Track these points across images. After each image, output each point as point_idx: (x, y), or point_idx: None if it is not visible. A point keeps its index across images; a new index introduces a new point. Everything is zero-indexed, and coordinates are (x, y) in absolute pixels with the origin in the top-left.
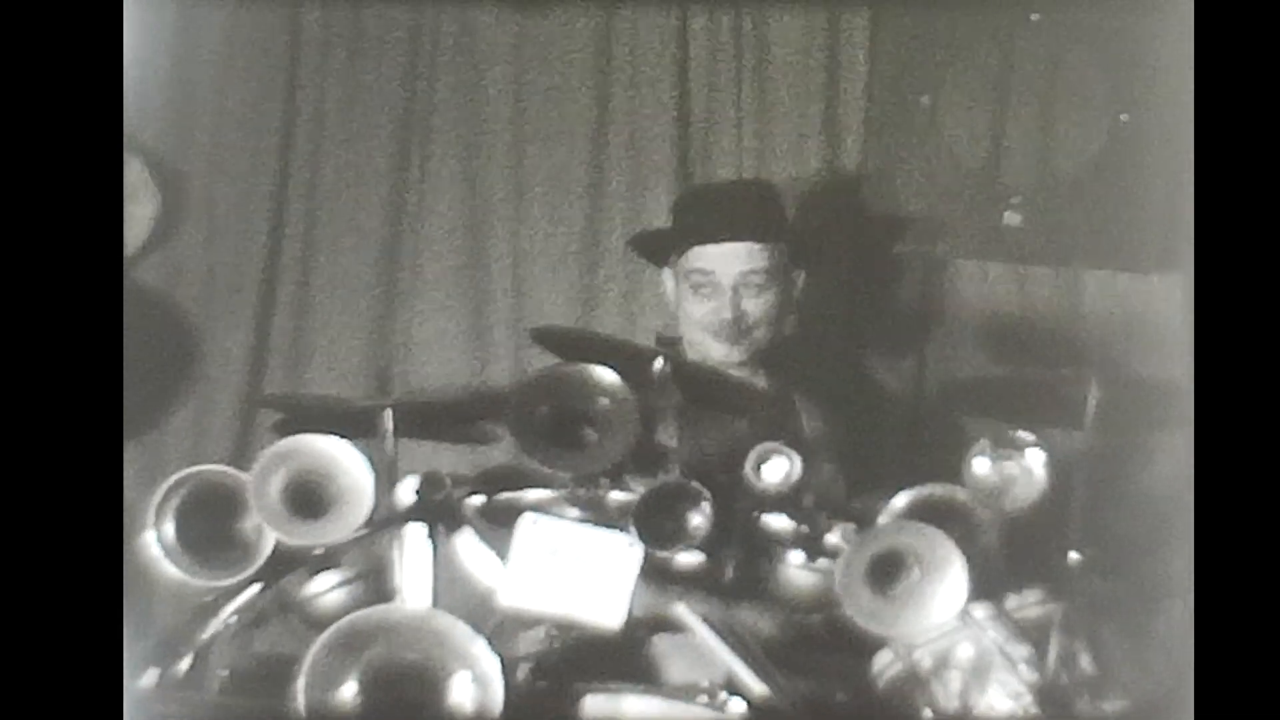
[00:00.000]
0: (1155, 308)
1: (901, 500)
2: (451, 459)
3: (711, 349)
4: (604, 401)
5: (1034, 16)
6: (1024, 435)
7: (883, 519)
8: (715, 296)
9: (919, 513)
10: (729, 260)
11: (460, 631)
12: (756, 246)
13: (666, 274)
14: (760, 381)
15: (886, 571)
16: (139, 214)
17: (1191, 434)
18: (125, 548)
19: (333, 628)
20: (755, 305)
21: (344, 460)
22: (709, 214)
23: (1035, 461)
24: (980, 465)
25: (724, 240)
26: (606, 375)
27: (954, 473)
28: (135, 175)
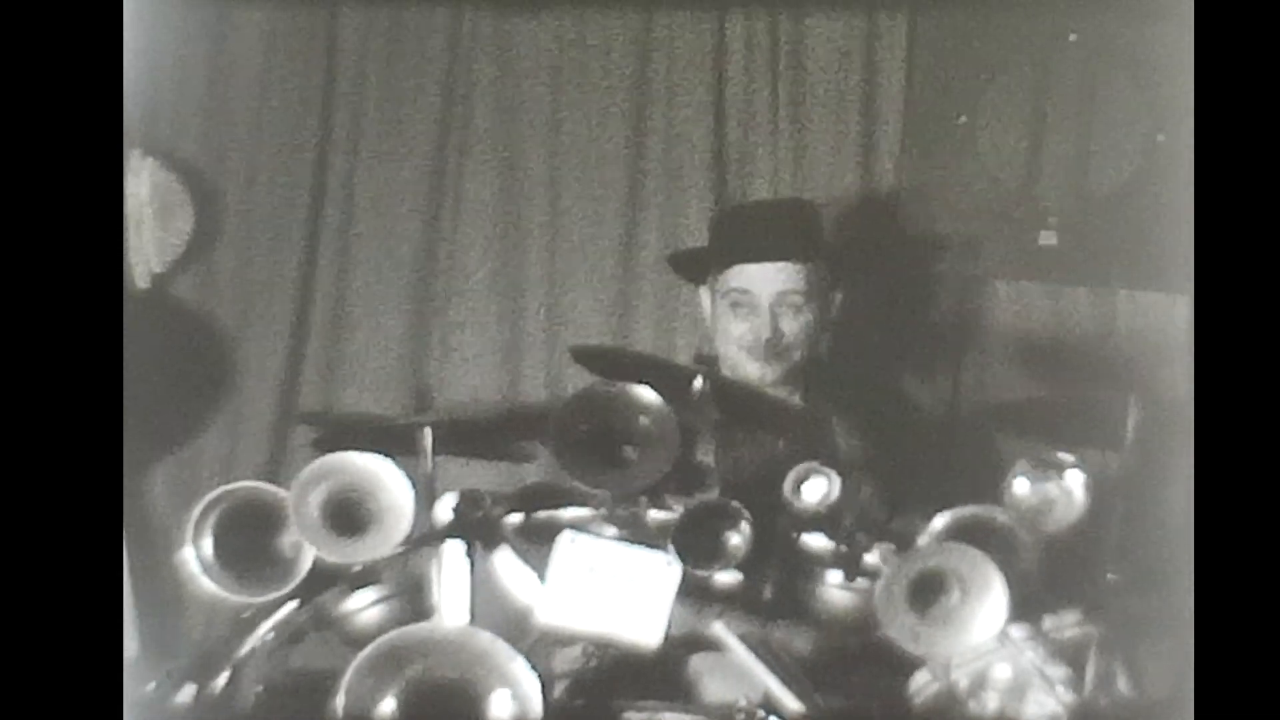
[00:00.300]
0: (1188, 328)
1: (941, 521)
2: (488, 477)
3: (748, 368)
4: (644, 420)
5: (1072, 36)
6: (1064, 456)
7: (922, 540)
8: (753, 316)
9: (958, 533)
10: (768, 280)
11: (500, 650)
12: (795, 266)
13: (703, 292)
14: (796, 401)
15: (927, 592)
16: (175, 229)
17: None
18: (163, 562)
19: (373, 644)
20: (793, 325)
21: (384, 477)
22: (748, 233)
23: (1075, 483)
24: (1020, 486)
25: (763, 260)
26: (647, 394)
27: (992, 493)
28: (171, 190)
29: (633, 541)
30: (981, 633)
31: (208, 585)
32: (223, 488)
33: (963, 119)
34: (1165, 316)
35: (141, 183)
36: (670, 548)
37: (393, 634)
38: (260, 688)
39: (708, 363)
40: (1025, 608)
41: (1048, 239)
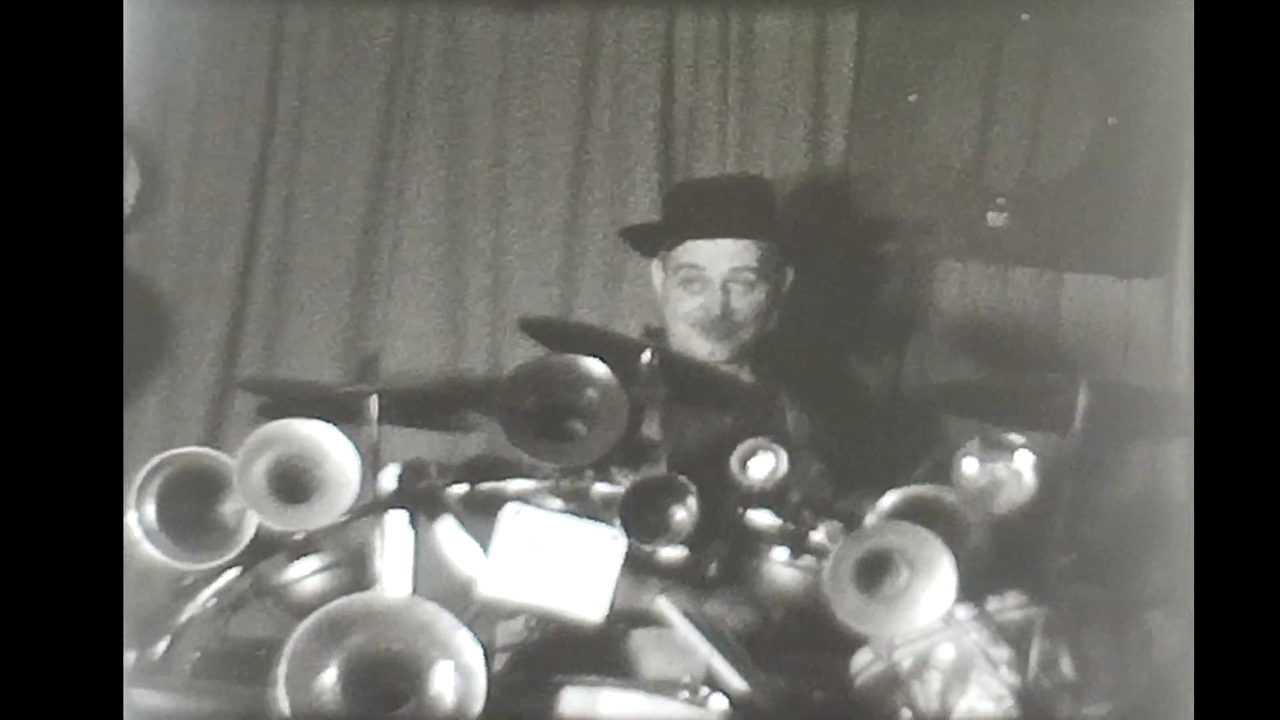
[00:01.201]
0: (1136, 313)
1: (889, 500)
2: (432, 447)
3: (697, 344)
4: (592, 394)
5: (1024, 17)
6: (1013, 438)
7: (870, 518)
8: (704, 292)
9: (906, 513)
10: (720, 256)
11: (444, 621)
12: (747, 244)
13: (655, 266)
14: (746, 377)
15: (875, 572)
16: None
17: (1189, 442)
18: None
19: (315, 614)
20: (744, 302)
21: (330, 446)
22: (701, 209)
23: (1024, 464)
24: (969, 466)
25: (716, 236)
26: (595, 367)
27: (940, 474)
28: None
29: (578, 515)
30: (929, 613)
31: (150, 551)
32: (166, 453)
33: (913, 98)
34: (1113, 300)
35: None
36: (616, 522)
37: (335, 603)
38: (198, 654)
39: (656, 336)
40: (970, 589)
41: (996, 220)
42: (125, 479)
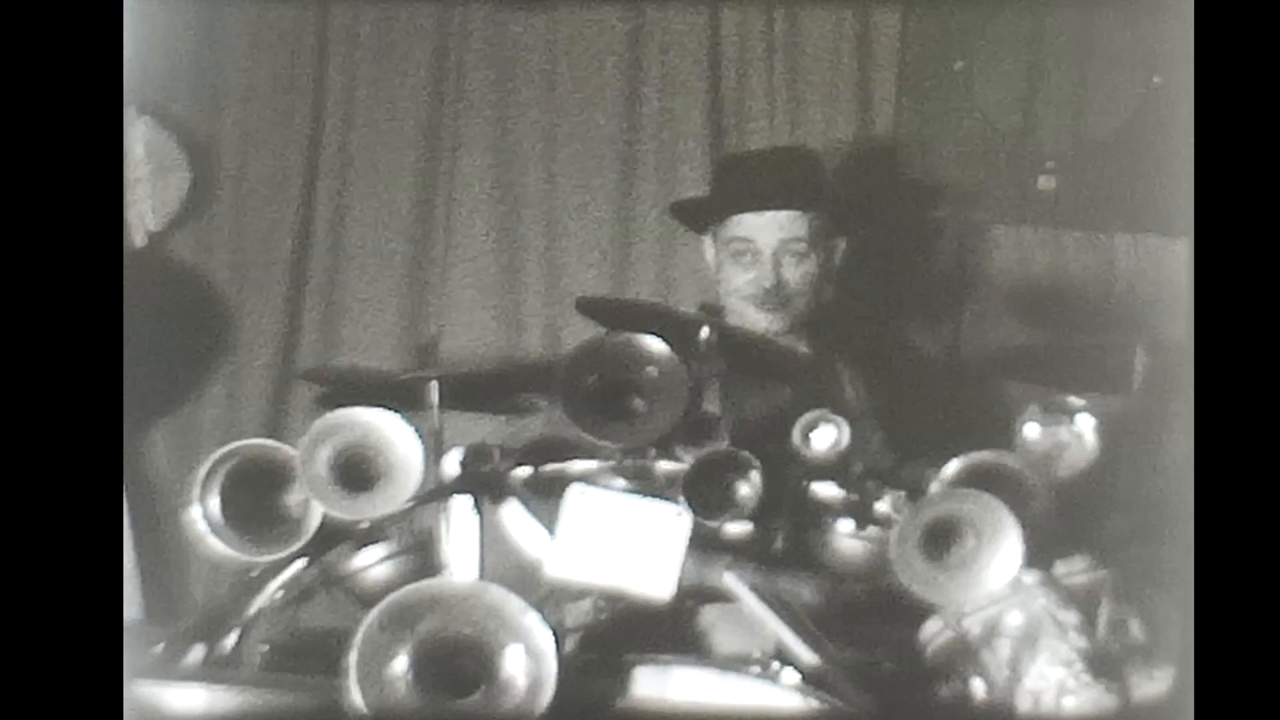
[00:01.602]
0: (1188, 272)
1: (952, 467)
2: (493, 431)
3: (751, 318)
4: (653, 371)
5: None
6: (1074, 400)
7: (934, 487)
8: (756, 265)
9: (970, 480)
10: (770, 228)
11: (513, 604)
12: (797, 215)
13: (706, 242)
14: (802, 349)
15: (941, 539)
16: (170, 187)
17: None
18: (166, 523)
19: (384, 602)
20: (796, 273)
21: (393, 433)
22: (750, 181)
23: (1086, 426)
24: (1031, 430)
25: (765, 209)
26: (655, 344)
27: (999, 439)
28: (167, 148)
29: (642, 493)
30: (996, 579)
31: (215, 544)
32: (229, 445)
33: (959, 64)
34: (1165, 259)
35: (136, 141)
36: (680, 499)
37: (404, 590)
38: (267, 647)
39: (713, 312)
40: (1037, 554)
41: (1046, 184)
42: (189, 473)
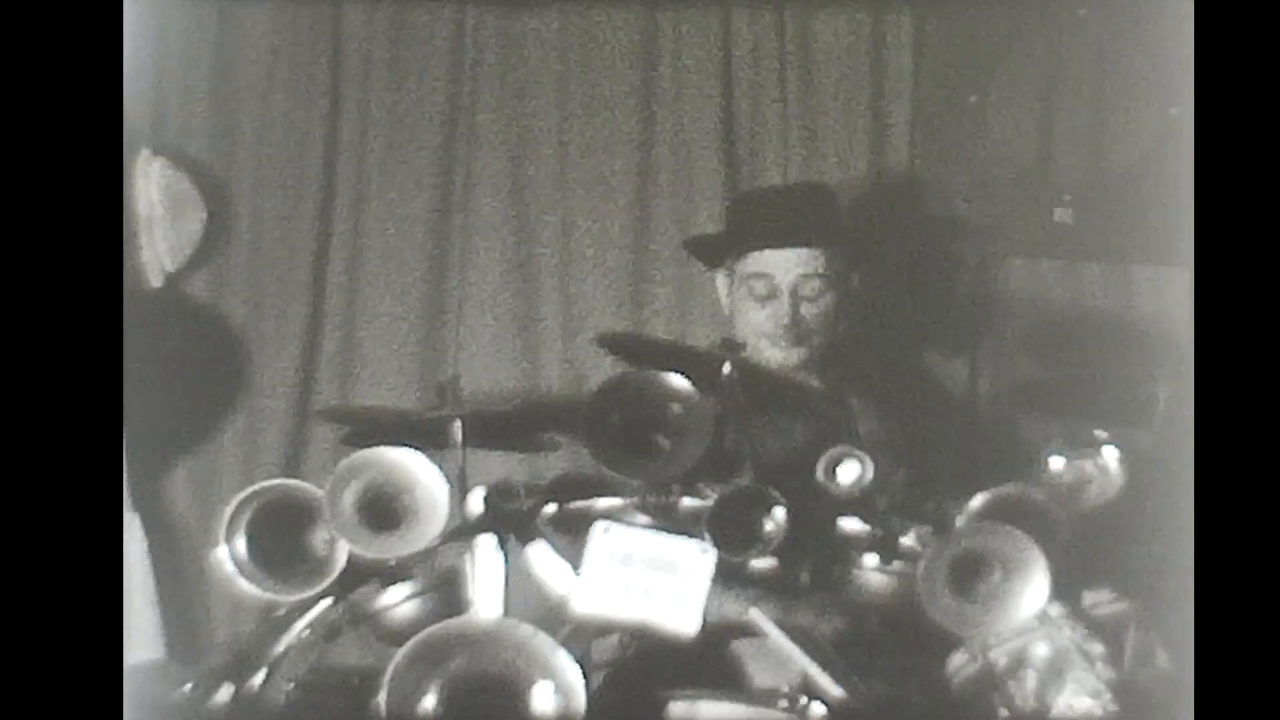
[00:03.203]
0: None
1: (978, 501)
2: (515, 468)
3: (768, 354)
4: (676, 408)
5: (1081, 11)
6: (1098, 433)
7: (960, 520)
8: (773, 301)
9: (995, 513)
10: (787, 265)
11: (540, 641)
12: (814, 251)
13: (720, 278)
14: (818, 384)
15: (968, 573)
16: (187, 227)
17: None
18: (189, 564)
19: (414, 640)
20: (813, 310)
21: (418, 472)
22: (766, 218)
23: (1110, 458)
24: (1055, 463)
25: (782, 245)
26: (678, 381)
27: (1022, 472)
28: (182, 189)
29: (667, 530)
30: (1025, 611)
31: (243, 585)
32: (255, 485)
33: (974, 98)
34: (1184, 290)
35: (151, 182)
36: (705, 535)
37: (432, 629)
38: (292, 685)
39: (733, 348)
40: (1063, 585)
41: (1063, 216)
42: (212, 513)
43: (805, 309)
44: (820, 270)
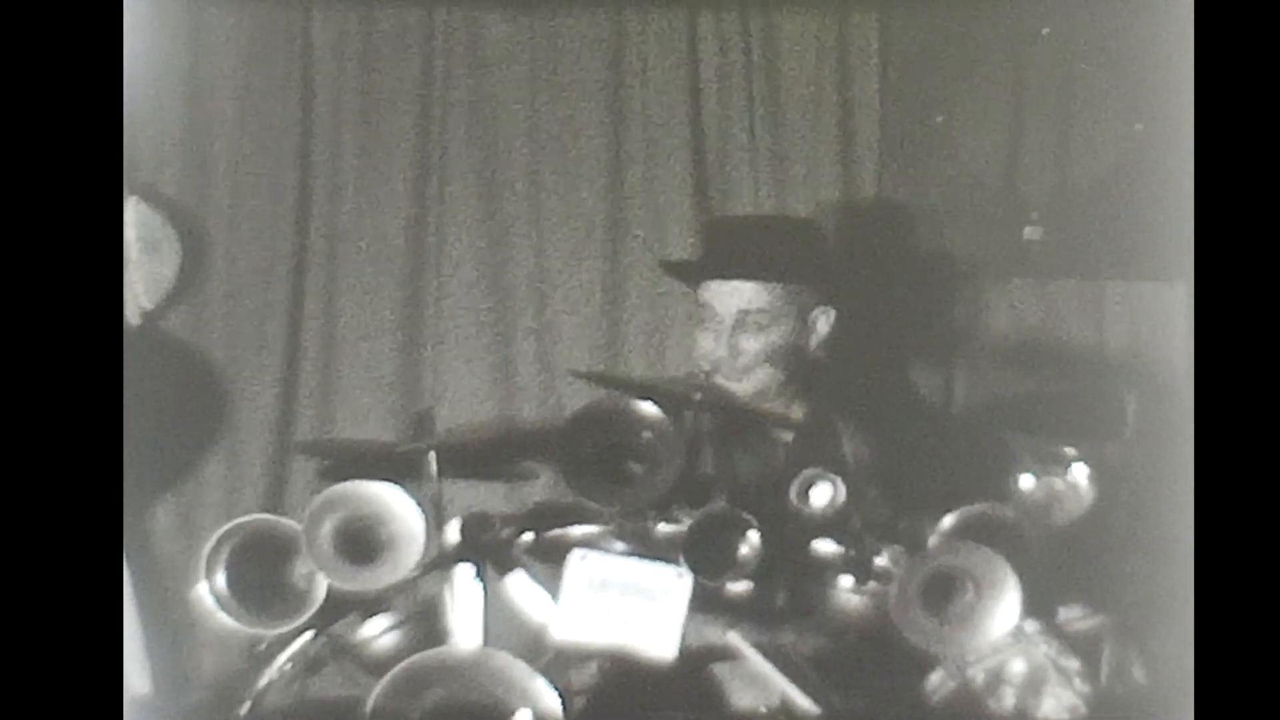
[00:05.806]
0: (1178, 316)
1: (949, 520)
2: (491, 498)
3: (721, 382)
4: (648, 435)
5: (1045, 30)
6: (1068, 450)
7: (932, 540)
8: (714, 332)
9: (967, 532)
10: (729, 297)
11: (519, 669)
12: (759, 286)
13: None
14: (796, 410)
15: (941, 593)
16: (163, 265)
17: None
18: (172, 599)
19: (394, 670)
20: (754, 344)
21: (395, 504)
22: (715, 249)
23: (1080, 475)
24: (1026, 481)
25: (725, 277)
26: (649, 409)
27: (995, 490)
28: (157, 227)
29: (643, 556)
30: (998, 629)
31: (224, 620)
32: (233, 521)
33: (940, 118)
34: (1155, 304)
35: (127, 221)
36: (680, 560)
37: (412, 659)
38: (278, 717)
39: (708, 376)
40: (1037, 602)
41: (1032, 233)
42: (192, 550)
43: (744, 343)
44: (763, 305)
